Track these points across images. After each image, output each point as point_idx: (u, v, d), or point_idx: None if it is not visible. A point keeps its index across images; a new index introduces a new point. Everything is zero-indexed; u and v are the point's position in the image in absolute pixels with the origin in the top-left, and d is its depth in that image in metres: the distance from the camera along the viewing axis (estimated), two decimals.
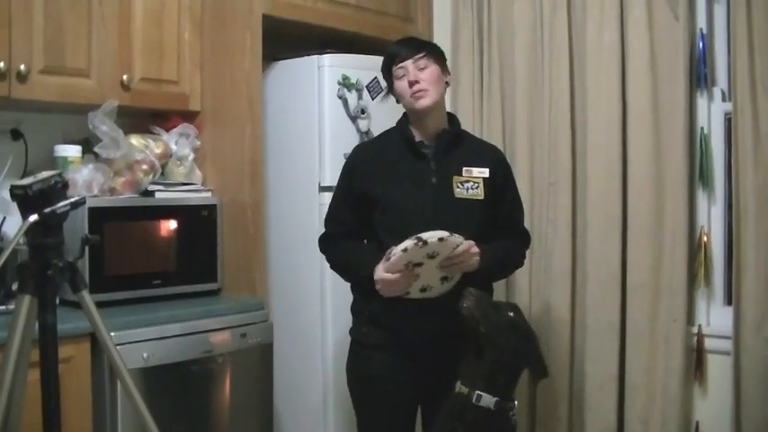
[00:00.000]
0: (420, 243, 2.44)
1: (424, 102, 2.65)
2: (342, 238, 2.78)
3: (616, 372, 3.46)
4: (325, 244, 2.84)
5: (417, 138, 2.73)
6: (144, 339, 2.86)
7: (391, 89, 2.78)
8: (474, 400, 2.55)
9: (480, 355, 2.58)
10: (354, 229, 2.76)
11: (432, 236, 2.45)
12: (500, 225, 2.77)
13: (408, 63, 2.66)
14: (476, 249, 2.57)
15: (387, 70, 2.75)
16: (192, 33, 3.46)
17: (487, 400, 2.54)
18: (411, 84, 2.65)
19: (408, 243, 2.45)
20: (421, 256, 2.49)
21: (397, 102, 2.77)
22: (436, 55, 2.72)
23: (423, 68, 2.66)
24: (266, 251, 3.47)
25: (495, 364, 2.56)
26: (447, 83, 2.76)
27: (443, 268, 2.56)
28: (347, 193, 2.77)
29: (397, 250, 2.47)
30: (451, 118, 2.82)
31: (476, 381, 2.57)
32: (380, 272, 2.56)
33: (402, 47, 2.72)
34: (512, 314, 2.62)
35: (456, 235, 2.50)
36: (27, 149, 3.23)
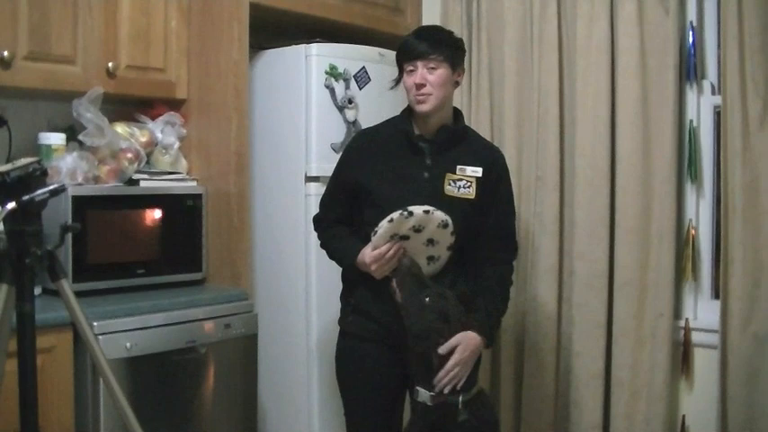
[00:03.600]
0: (406, 213, 2.50)
1: (424, 107, 2.62)
2: (333, 223, 2.80)
3: (602, 368, 3.45)
4: (317, 225, 2.86)
5: (418, 131, 2.71)
6: (127, 329, 2.84)
7: (401, 76, 2.72)
8: (415, 397, 2.51)
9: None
10: (346, 216, 2.76)
11: (417, 208, 2.51)
12: (490, 228, 2.72)
13: (418, 63, 2.62)
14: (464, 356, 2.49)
15: (399, 61, 2.71)
16: (179, 21, 3.43)
17: (423, 395, 2.48)
18: (417, 86, 2.61)
19: (394, 214, 2.51)
20: (406, 229, 2.53)
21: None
22: (449, 54, 2.64)
23: (433, 69, 2.61)
24: (251, 241, 3.44)
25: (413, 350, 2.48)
26: (457, 82, 2.70)
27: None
28: (341, 180, 2.77)
29: (383, 222, 2.52)
30: (457, 114, 2.78)
31: (415, 375, 2.53)
32: (368, 250, 2.57)
33: (418, 42, 2.64)
34: (427, 299, 2.46)
35: (441, 212, 2.54)
36: (11, 137, 3.19)
